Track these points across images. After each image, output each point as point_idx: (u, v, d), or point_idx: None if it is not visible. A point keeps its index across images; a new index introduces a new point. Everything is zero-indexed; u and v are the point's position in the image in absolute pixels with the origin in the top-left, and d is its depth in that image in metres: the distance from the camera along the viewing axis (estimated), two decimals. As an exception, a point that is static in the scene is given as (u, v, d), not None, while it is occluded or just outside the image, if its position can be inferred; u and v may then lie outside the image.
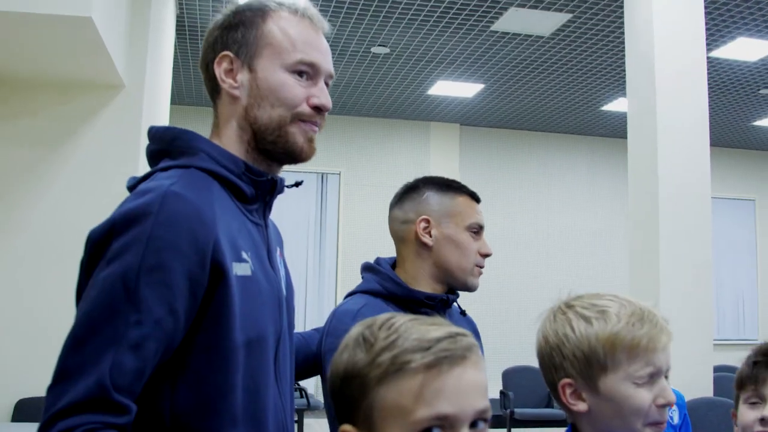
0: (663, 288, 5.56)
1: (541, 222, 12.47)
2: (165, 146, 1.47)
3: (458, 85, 10.08)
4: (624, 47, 6.55)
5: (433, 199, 2.10)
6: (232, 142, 1.50)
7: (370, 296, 2.03)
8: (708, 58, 6.14)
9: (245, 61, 1.49)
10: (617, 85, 9.74)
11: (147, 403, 1.27)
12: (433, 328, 1.04)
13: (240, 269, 1.36)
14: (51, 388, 1.21)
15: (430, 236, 2.06)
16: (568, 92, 10.25)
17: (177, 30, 7.73)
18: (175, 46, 7.81)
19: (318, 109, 1.50)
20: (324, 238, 11.60)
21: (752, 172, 13.50)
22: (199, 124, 10.94)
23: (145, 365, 1.24)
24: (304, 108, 1.49)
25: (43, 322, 4.95)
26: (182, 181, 1.35)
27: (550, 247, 12.47)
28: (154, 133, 1.50)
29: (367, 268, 2.14)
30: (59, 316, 2.74)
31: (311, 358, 2.09)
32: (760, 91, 9.91)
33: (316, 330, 2.18)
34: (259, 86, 1.48)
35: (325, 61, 1.53)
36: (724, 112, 10.87)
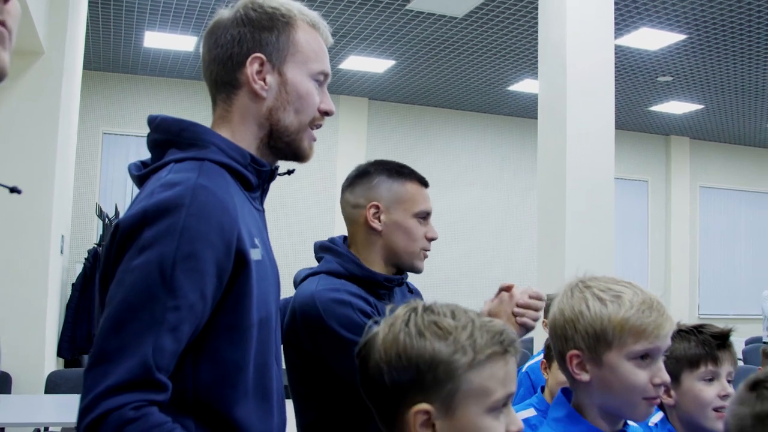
0: (568, 265, 5.82)
1: (448, 198, 12.65)
2: (172, 137, 1.52)
3: (369, 61, 10.15)
4: (534, 31, 6.76)
5: (383, 185, 2.18)
6: (244, 136, 1.57)
7: (333, 277, 2.11)
8: (614, 45, 6.39)
9: (276, 65, 1.56)
10: (525, 66, 10.00)
11: (172, 379, 1.34)
12: (487, 320, 1.25)
13: (255, 254, 1.46)
14: (91, 370, 1.28)
15: (380, 221, 2.16)
16: (478, 72, 10.46)
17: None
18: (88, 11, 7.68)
19: (325, 114, 1.63)
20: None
21: (647, 154, 14.04)
22: (108, 89, 10.76)
23: (180, 346, 1.33)
24: (317, 113, 1.62)
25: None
26: (205, 174, 1.42)
27: (457, 222, 12.68)
28: (159, 123, 1.55)
29: (325, 248, 2.22)
30: None
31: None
32: (658, 79, 10.34)
33: None
34: (288, 91, 1.57)
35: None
36: (624, 97, 11.29)
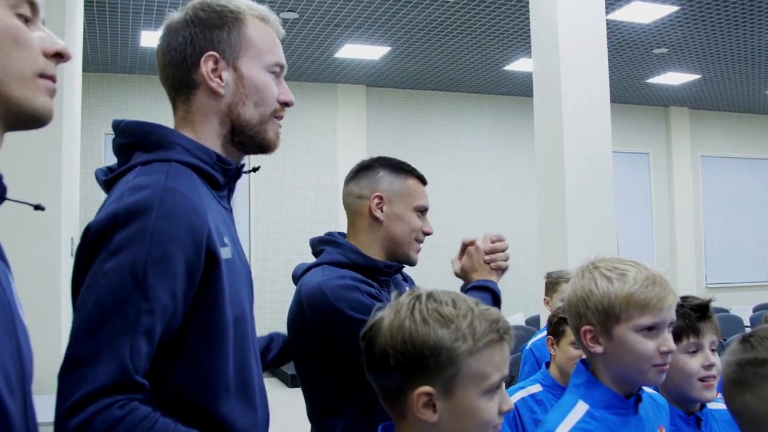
0: (569, 240, 5.88)
1: (449, 180, 12.71)
2: (137, 140, 1.54)
3: (365, 48, 10.22)
4: (526, 10, 6.79)
5: (386, 178, 2.31)
6: (207, 135, 1.59)
7: (336, 267, 2.20)
8: (606, 20, 6.43)
9: (230, 61, 1.59)
10: (519, 46, 10.04)
11: (149, 380, 1.36)
12: (485, 308, 1.35)
13: (225, 253, 1.48)
14: (66, 375, 1.30)
15: (382, 212, 2.28)
16: (473, 53, 10.50)
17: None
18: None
19: (285, 104, 1.66)
20: (236, 197, 11.56)
21: (647, 126, 14.07)
22: (108, 90, 10.79)
23: (153, 348, 1.35)
24: (277, 104, 1.65)
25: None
26: (173, 176, 1.44)
27: (458, 205, 12.73)
28: (124, 127, 1.56)
29: (325, 241, 2.31)
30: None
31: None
32: (654, 51, 10.37)
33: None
34: (245, 85, 1.60)
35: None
36: (620, 70, 11.32)
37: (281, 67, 1.66)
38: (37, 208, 1.21)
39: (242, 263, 1.60)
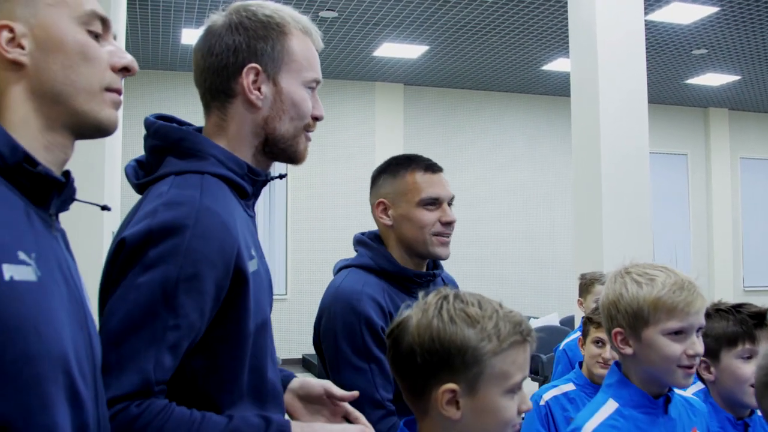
0: (605, 241, 5.88)
1: (485, 180, 12.73)
2: (170, 145, 1.55)
3: (403, 47, 10.27)
4: (564, 9, 6.79)
5: (386, 182, 2.28)
6: (240, 144, 1.59)
7: (363, 271, 2.22)
8: (645, 21, 6.42)
9: (271, 75, 1.58)
10: (557, 46, 10.03)
11: (171, 385, 1.40)
12: (508, 310, 1.40)
13: (252, 266, 1.50)
14: None
15: (389, 217, 2.26)
16: (510, 53, 10.51)
17: (128, -5, 7.77)
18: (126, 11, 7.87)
19: (316, 119, 1.66)
20: (273, 196, 11.76)
21: (685, 127, 13.96)
22: (149, 86, 10.95)
23: (177, 362, 1.39)
24: (310, 119, 1.65)
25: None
26: (207, 193, 1.45)
27: (495, 204, 12.73)
28: (157, 129, 1.57)
29: (360, 242, 2.33)
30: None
31: None
32: (693, 52, 10.31)
33: None
34: (283, 100, 1.59)
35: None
36: (659, 71, 11.26)
37: (318, 82, 1.65)
38: (104, 208, 1.27)
39: (265, 271, 1.61)
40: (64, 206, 1.14)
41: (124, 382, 1.32)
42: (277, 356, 1.70)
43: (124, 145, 7.39)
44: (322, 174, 11.81)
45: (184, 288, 1.37)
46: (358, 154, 12.00)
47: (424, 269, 2.33)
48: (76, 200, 1.17)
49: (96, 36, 1.14)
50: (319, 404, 1.75)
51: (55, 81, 1.09)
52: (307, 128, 1.64)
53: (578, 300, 4.35)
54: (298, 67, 1.60)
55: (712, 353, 2.09)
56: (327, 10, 8.61)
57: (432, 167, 2.26)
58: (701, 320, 1.82)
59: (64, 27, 1.09)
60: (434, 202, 2.22)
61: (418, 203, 2.21)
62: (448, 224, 2.22)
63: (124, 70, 1.17)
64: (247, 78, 1.56)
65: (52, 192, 1.08)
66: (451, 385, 1.34)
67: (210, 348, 1.45)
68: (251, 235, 1.58)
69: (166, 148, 1.55)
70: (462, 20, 9.05)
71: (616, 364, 1.92)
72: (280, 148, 1.62)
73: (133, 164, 1.60)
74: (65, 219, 1.17)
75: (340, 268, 2.30)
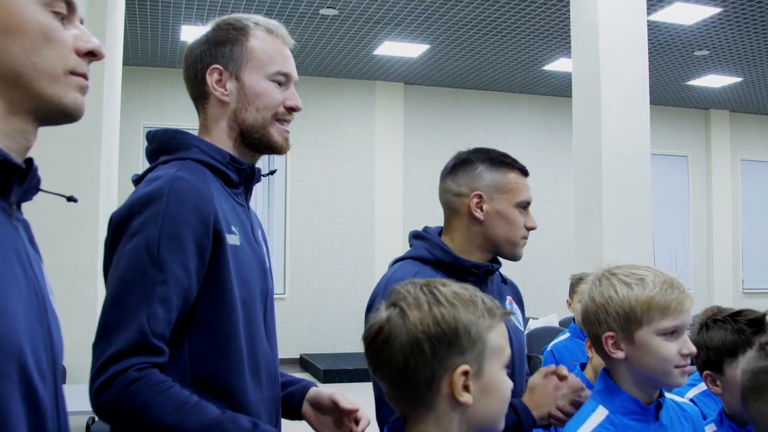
0: (606, 242, 5.85)
1: (484, 180, 12.63)
2: (163, 145, 1.76)
3: (404, 46, 10.24)
4: (566, 9, 6.76)
5: (486, 174, 2.17)
6: (221, 138, 1.79)
7: (419, 263, 2.15)
8: (648, 21, 6.38)
9: (233, 73, 1.78)
10: (559, 46, 10.00)
11: (170, 352, 1.56)
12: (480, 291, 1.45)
13: (231, 239, 1.66)
14: (96, 343, 1.52)
15: (482, 211, 2.15)
16: (512, 52, 10.48)
17: (127, -9, 7.73)
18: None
19: (291, 110, 1.82)
20: (272, 195, 11.71)
21: (686, 129, 13.93)
22: (147, 84, 10.92)
23: (171, 315, 1.55)
24: (281, 109, 1.80)
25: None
26: (183, 168, 1.65)
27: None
28: (153, 136, 1.79)
29: (416, 236, 2.24)
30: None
31: None
32: (695, 53, 10.27)
33: None
34: (246, 93, 1.78)
35: (294, 70, 1.85)
36: (660, 71, 11.23)
37: (284, 75, 1.81)
38: (70, 199, 1.25)
39: (254, 253, 1.77)
40: (27, 196, 1.09)
41: (122, 338, 1.48)
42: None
43: (122, 141, 7.36)
44: (322, 173, 11.79)
45: (167, 247, 1.54)
46: (358, 153, 11.96)
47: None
48: (41, 190, 1.12)
49: (62, 18, 1.08)
50: (328, 414, 1.85)
51: (15, 63, 1.03)
52: (280, 117, 1.81)
53: (567, 300, 4.33)
54: (259, 63, 1.78)
55: (716, 366, 2.06)
56: (327, 7, 8.57)
57: (526, 171, 2.24)
58: (690, 318, 1.81)
59: (26, 7, 1.04)
60: (526, 206, 2.20)
61: (517, 204, 2.16)
62: (531, 229, 2.21)
63: (90, 55, 1.11)
64: (210, 78, 1.78)
65: (13, 179, 1.03)
66: (465, 367, 1.34)
67: (203, 314, 1.61)
68: (237, 218, 1.74)
69: (160, 149, 1.76)
70: (463, 19, 9.01)
71: (605, 370, 1.87)
72: (255, 138, 1.79)
73: (137, 173, 1.78)
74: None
75: (395, 261, 2.24)
